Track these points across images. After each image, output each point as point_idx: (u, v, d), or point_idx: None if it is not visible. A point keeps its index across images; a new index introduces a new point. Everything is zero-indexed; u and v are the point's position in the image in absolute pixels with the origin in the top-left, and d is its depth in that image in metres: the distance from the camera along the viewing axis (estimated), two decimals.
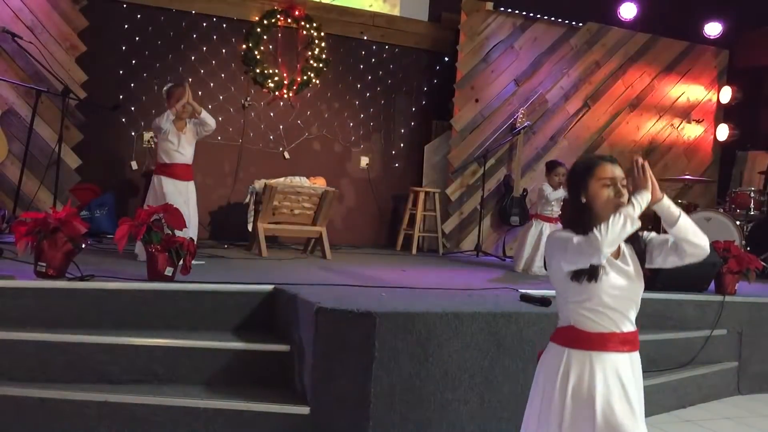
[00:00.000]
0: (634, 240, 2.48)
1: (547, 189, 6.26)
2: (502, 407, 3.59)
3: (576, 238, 2.34)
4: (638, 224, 2.34)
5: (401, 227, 7.86)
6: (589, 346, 2.39)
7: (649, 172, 2.40)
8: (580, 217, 2.44)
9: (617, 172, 2.45)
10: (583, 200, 2.44)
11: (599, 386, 2.34)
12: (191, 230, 5.09)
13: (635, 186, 2.40)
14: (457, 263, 6.84)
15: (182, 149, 5.37)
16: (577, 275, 2.37)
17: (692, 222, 2.46)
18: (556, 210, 6.22)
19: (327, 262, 6.14)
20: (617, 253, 2.47)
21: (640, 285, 2.45)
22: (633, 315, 2.46)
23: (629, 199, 2.37)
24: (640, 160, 2.41)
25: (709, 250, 2.49)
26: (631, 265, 2.43)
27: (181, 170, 5.37)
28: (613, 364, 2.38)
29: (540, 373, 2.51)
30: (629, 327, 2.43)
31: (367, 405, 3.30)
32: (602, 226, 2.28)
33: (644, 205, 2.36)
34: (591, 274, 2.37)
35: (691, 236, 2.43)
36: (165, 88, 5.57)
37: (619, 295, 2.39)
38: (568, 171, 2.59)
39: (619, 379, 2.37)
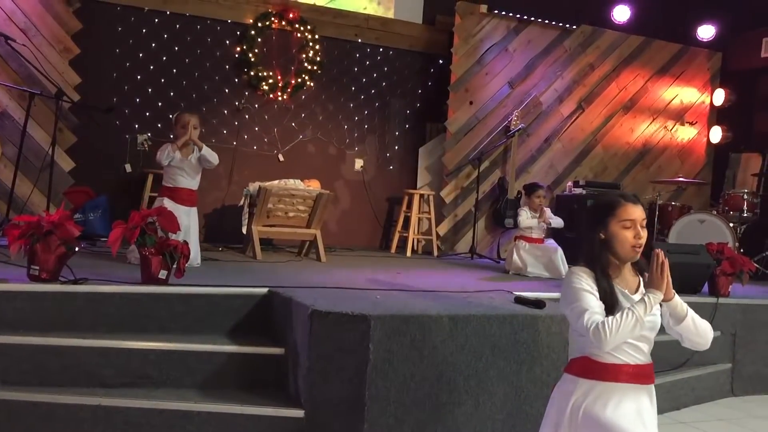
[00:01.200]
0: None
1: (522, 215, 6.31)
2: (496, 409, 3.59)
3: (585, 318, 2.32)
4: (644, 327, 2.36)
5: (396, 229, 7.86)
6: (603, 376, 2.38)
7: (667, 271, 2.38)
8: (598, 254, 2.45)
9: (639, 213, 2.44)
10: (602, 236, 2.45)
11: (611, 409, 2.33)
12: (193, 255, 4.91)
13: (650, 283, 2.39)
14: (452, 265, 6.84)
15: (188, 174, 5.25)
16: None
17: (698, 319, 2.49)
18: (536, 233, 6.25)
19: (322, 264, 6.14)
20: (635, 289, 2.48)
21: (656, 321, 2.46)
22: (648, 349, 2.46)
23: (641, 298, 2.36)
24: (661, 257, 2.38)
25: (708, 346, 2.52)
26: None
27: (186, 195, 5.24)
28: (629, 395, 2.37)
29: (552, 403, 2.51)
30: (643, 360, 2.43)
31: (362, 408, 3.29)
32: (613, 322, 2.28)
33: (655, 306, 2.36)
34: (608, 307, 2.38)
35: (694, 336, 2.48)
36: (175, 115, 5.46)
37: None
38: (589, 206, 2.57)
39: (636, 409, 2.36)
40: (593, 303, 2.36)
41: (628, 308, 2.32)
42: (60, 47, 6.43)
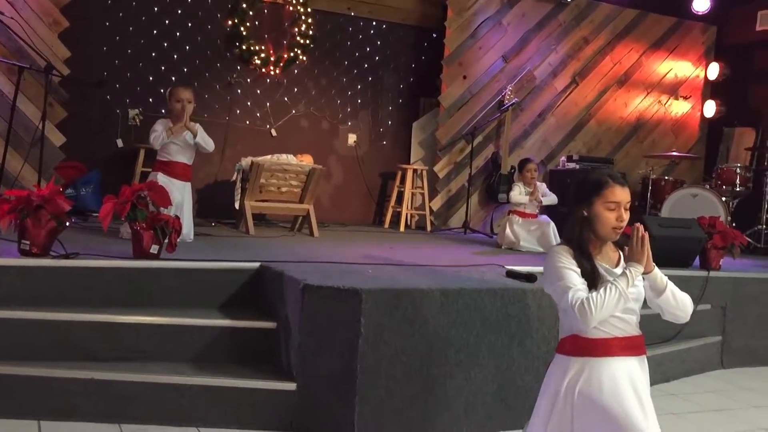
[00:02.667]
0: None
1: (514, 191, 6.32)
2: (487, 382, 3.62)
3: (569, 295, 2.33)
4: (629, 300, 2.36)
5: (389, 205, 7.85)
6: (594, 352, 2.39)
7: (647, 244, 2.39)
8: (578, 230, 2.46)
9: (625, 196, 2.44)
10: (584, 214, 2.45)
11: (606, 387, 2.33)
12: (186, 231, 4.93)
13: (630, 256, 2.39)
14: (445, 240, 6.85)
15: (182, 148, 5.18)
16: None
17: (678, 291, 2.49)
18: (529, 209, 6.28)
19: (314, 239, 6.14)
20: (615, 263, 2.49)
21: (640, 292, 2.46)
22: (635, 320, 2.46)
23: (623, 272, 2.37)
24: (641, 231, 2.39)
25: (689, 318, 2.54)
26: None
27: (181, 169, 5.18)
28: (621, 368, 2.37)
29: (546, 384, 2.51)
30: (631, 332, 2.44)
31: (354, 381, 3.31)
32: (597, 298, 2.29)
33: (636, 278, 2.37)
34: (590, 283, 2.38)
35: (674, 309, 2.49)
36: (168, 89, 5.35)
37: None
38: (577, 181, 2.57)
39: (630, 383, 2.35)
40: (576, 280, 2.37)
41: (610, 283, 2.32)
42: (49, 20, 6.34)
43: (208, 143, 5.25)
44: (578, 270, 2.40)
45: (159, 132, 5.08)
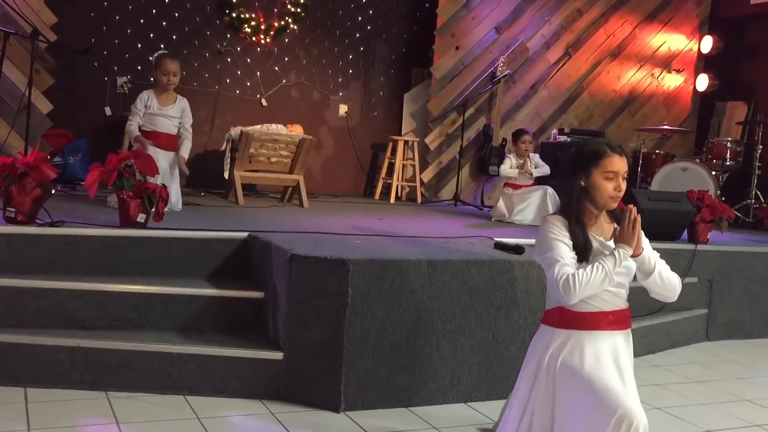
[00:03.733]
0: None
1: (505, 165, 6.28)
2: (473, 352, 3.64)
3: (556, 269, 2.34)
4: (614, 281, 2.36)
5: (380, 176, 7.83)
6: (581, 325, 2.39)
7: (638, 227, 2.38)
8: (576, 200, 2.45)
9: (622, 165, 2.43)
10: (582, 183, 2.44)
11: (588, 360, 2.34)
12: (174, 200, 4.96)
13: (621, 237, 2.38)
14: (435, 212, 6.85)
15: (167, 119, 5.15)
16: None
17: (667, 272, 2.50)
18: (521, 180, 6.23)
19: (304, 210, 6.12)
20: (610, 236, 2.48)
21: (631, 266, 2.46)
22: (625, 294, 2.47)
23: (611, 253, 2.36)
24: (634, 213, 2.38)
25: (676, 298, 2.56)
26: None
27: (165, 140, 5.15)
28: (606, 342, 2.38)
29: (530, 355, 2.52)
30: (621, 305, 2.44)
31: (341, 351, 3.33)
32: (583, 275, 2.29)
33: (624, 260, 2.36)
34: (581, 254, 2.38)
35: (661, 289, 2.51)
36: (155, 55, 5.27)
37: None
38: (574, 150, 2.55)
39: (612, 356, 2.37)
40: (565, 253, 2.37)
41: (598, 262, 2.32)
42: None
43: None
44: (569, 243, 2.40)
45: (134, 127, 5.10)
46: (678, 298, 2.60)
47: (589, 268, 2.31)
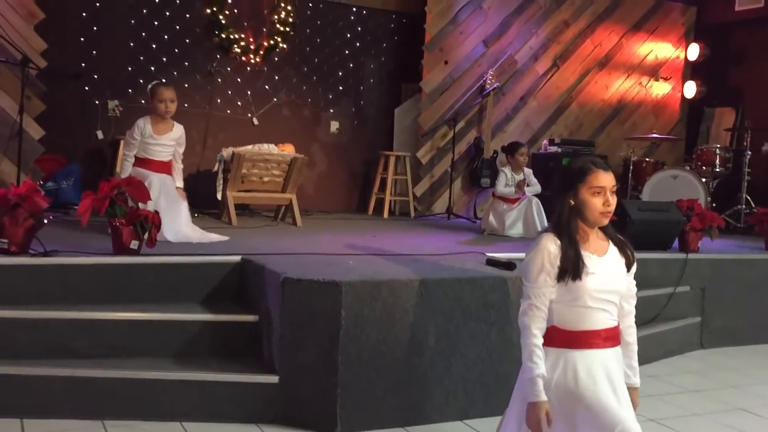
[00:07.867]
0: (622, 246, 2.53)
1: (500, 182, 6.28)
2: (468, 370, 3.66)
3: (524, 305, 2.42)
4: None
5: (373, 191, 7.86)
6: (574, 344, 2.41)
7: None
8: (567, 219, 2.47)
9: (609, 180, 2.45)
10: (572, 203, 2.47)
11: (583, 378, 2.36)
12: (188, 230, 4.85)
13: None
14: (429, 226, 6.87)
15: (162, 149, 5.10)
16: (561, 275, 2.41)
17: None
18: (514, 194, 6.24)
19: (297, 229, 6.14)
20: (603, 251, 2.51)
21: (622, 284, 2.50)
22: (616, 312, 2.50)
23: (534, 377, 2.37)
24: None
25: None
26: (614, 264, 2.47)
27: (158, 166, 5.08)
28: (598, 360, 2.40)
29: (523, 375, 2.54)
30: (611, 323, 2.47)
31: (335, 373, 3.34)
32: (529, 338, 2.37)
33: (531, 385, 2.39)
34: (574, 273, 2.41)
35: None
36: (150, 85, 5.24)
37: (603, 290, 2.41)
38: (560, 171, 2.60)
39: (605, 373, 2.38)
40: (543, 292, 2.41)
41: (534, 359, 2.35)
42: (24, 12, 6.25)
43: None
44: (556, 270, 2.41)
45: (127, 167, 5.04)
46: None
47: (532, 345, 2.37)
